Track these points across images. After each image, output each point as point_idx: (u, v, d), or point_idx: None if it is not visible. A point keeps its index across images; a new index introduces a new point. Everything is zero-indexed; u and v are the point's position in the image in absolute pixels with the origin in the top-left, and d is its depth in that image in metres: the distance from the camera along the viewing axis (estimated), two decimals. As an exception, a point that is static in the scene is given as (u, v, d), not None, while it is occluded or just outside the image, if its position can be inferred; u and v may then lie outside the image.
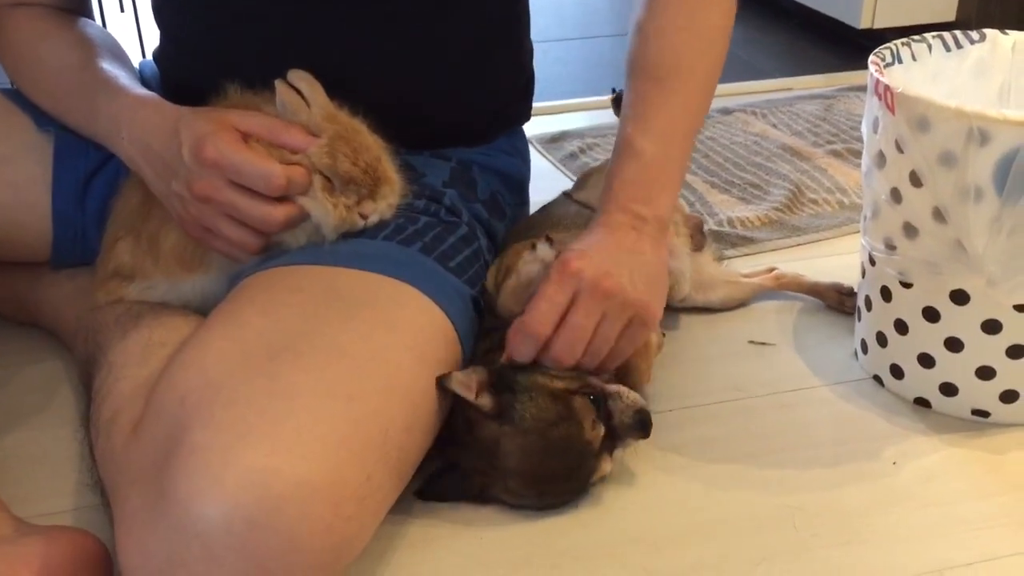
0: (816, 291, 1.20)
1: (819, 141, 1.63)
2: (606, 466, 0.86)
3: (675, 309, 1.15)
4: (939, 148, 0.88)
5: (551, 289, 0.83)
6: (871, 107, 0.96)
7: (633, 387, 0.89)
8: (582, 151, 1.62)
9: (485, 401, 0.83)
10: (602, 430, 0.84)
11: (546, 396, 0.83)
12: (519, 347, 0.84)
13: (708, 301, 1.16)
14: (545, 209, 1.13)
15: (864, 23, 2.03)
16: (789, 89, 1.91)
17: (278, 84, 0.86)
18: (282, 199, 0.84)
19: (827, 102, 1.80)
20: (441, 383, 0.82)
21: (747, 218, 1.38)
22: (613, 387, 0.86)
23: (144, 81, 1.01)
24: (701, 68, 0.93)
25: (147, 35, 1.90)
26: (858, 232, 1.31)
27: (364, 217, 0.87)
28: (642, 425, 0.85)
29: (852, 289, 1.18)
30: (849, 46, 2.13)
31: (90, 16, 1.07)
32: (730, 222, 1.37)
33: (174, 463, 0.68)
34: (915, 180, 0.91)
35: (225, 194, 0.83)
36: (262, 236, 0.86)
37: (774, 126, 1.70)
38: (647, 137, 0.90)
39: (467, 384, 0.83)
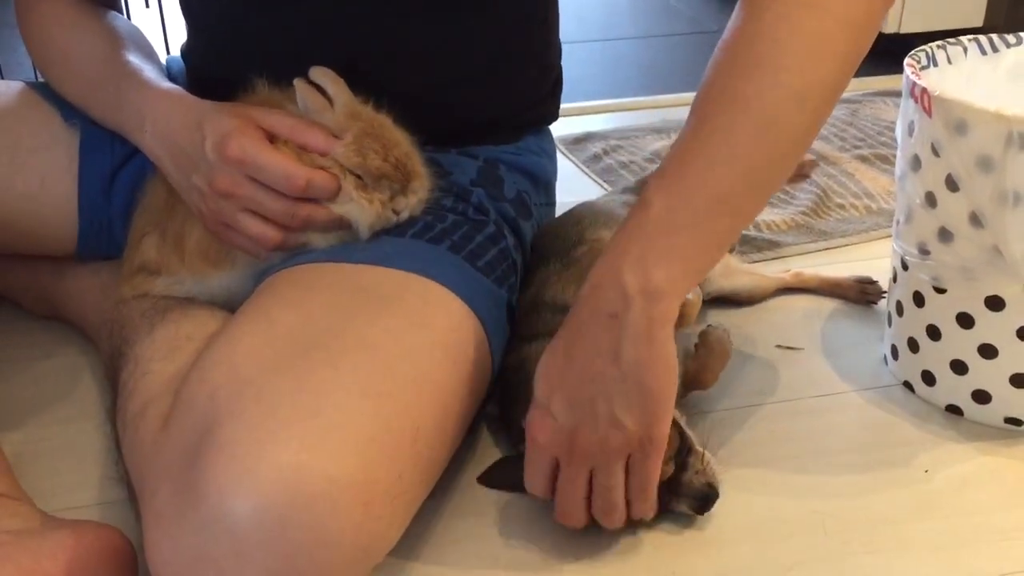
0: (837, 286, 1.20)
1: (846, 146, 1.62)
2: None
3: (703, 304, 1.15)
4: (977, 152, 0.86)
5: (530, 469, 0.78)
6: (906, 110, 0.95)
7: (704, 386, 0.91)
8: (606, 152, 1.61)
9: None
10: (670, 470, 0.81)
11: None
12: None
13: (734, 289, 1.17)
14: (589, 205, 1.14)
15: (891, 28, 2.02)
16: (814, 93, 1.89)
17: (298, 83, 0.85)
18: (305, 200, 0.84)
19: (853, 107, 1.79)
20: None
21: (773, 222, 1.37)
22: (702, 449, 0.84)
23: (171, 76, 1.01)
24: (758, 110, 0.72)
25: (171, 31, 1.90)
26: (885, 237, 1.30)
27: (397, 213, 0.86)
28: (704, 498, 0.83)
29: (871, 278, 1.19)
30: (875, 51, 2.10)
31: (118, 9, 1.07)
32: (756, 226, 1.35)
33: (204, 458, 0.67)
34: (951, 184, 0.90)
35: (246, 189, 0.83)
36: (282, 231, 0.86)
37: (799, 130, 1.69)
38: (660, 187, 0.73)
39: None
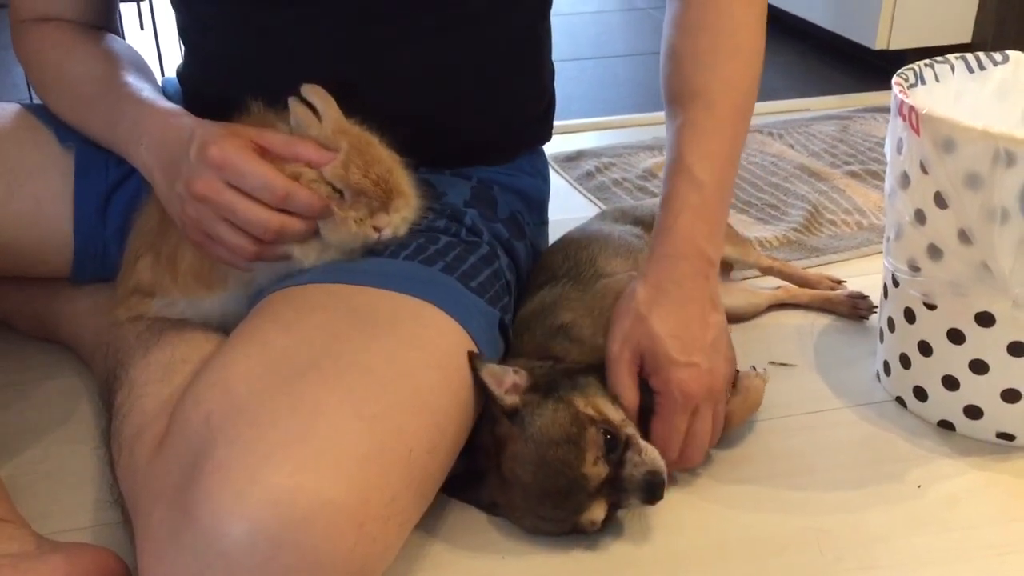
0: (828, 301, 1.21)
1: (837, 162, 1.63)
2: (597, 511, 0.82)
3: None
4: (965, 169, 0.87)
5: (680, 419, 0.87)
6: (895, 128, 0.96)
7: (728, 428, 0.93)
8: (599, 170, 1.62)
9: (511, 399, 0.84)
10: (604, 470, 0.81)
11: (567, 414, 0.82)
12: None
13: (730, 307, 1.16)
14: (592, 231, 1.13)
15: (880, 44, 2.03)
16: (806, 110, 1.91)
17: (291, 101, 0.86)
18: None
19: (844, 123, 1.80)
20: (473, 364, 0.84)
21: (765, 239, 1.37)
22: (642, 441, 0.84)
23: (167, 97, 1.01)
24: (744, 91, 0.94)
25: (166, 53, 1.91)
26: (877, 253, 1.31)
27: (378, 230, 0.85)
28: (648, 487, 0.82)
29: (862, 293, 1.20)
30: (864, 67, 2.13)
31: (115, 32, 1.07)
32: (748, 242, 1.36)
33: (198, 481, 0.67)
34: (940, 201, 0.90)
35: (224, 196, 0.82)
36: (259, 244, 0.84)
37: (791, 147, 1.70)
38: (705, 166, 0.90)
39: (498, 378, 0.84)
